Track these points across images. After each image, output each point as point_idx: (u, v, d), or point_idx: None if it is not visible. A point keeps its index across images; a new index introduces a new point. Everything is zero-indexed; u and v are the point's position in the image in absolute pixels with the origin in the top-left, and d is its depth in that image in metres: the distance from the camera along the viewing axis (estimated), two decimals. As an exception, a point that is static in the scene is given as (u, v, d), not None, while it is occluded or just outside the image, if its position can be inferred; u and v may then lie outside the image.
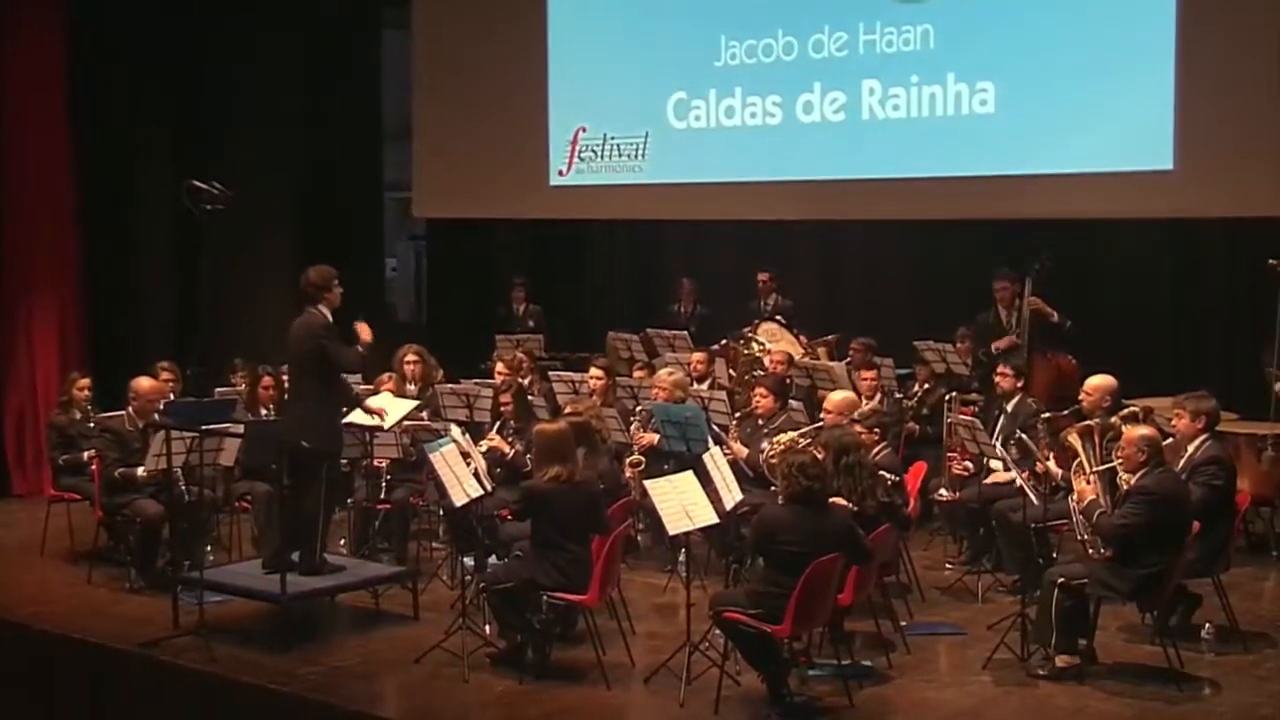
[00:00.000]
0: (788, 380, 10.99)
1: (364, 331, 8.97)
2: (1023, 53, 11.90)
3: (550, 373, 11.61)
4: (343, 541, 10.16)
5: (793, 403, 10.26)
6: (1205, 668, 7.82)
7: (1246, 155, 10.73)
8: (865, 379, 10.85)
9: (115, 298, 13.68)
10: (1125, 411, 8.72)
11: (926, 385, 11.41)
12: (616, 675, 7.72)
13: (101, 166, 13.50)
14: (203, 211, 9.22)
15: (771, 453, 8.81)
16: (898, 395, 11.26)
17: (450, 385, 10.81)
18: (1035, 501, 8.41)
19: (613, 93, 14.04)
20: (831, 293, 14.40)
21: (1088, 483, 7.83)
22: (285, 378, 9.79)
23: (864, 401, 10.28)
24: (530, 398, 10.54)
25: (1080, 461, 7.92)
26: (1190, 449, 8.34)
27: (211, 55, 14.20)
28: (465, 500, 8.14)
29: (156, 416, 9.72)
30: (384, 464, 9.96)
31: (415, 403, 9.92)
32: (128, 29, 13.57)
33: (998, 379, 9.88)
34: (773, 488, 8.14)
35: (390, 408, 9.34)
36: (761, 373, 11.34)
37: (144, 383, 10.04)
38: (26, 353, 12.94)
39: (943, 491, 9.81)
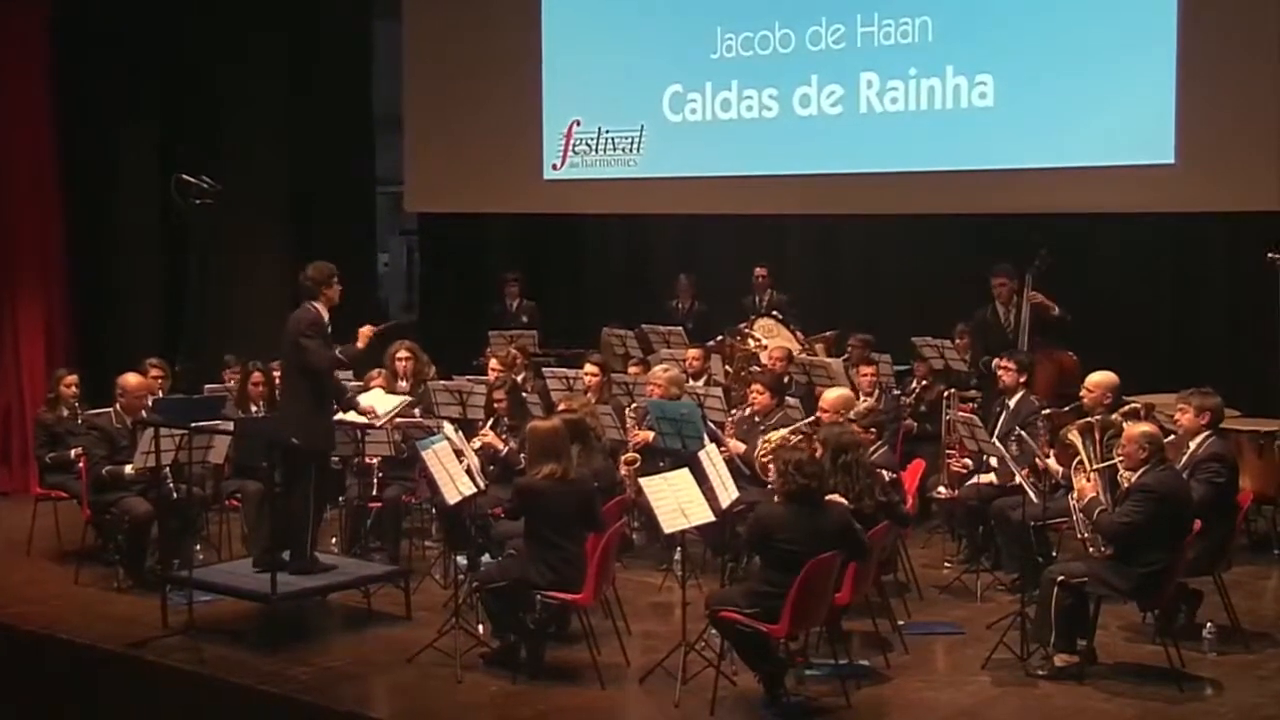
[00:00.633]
0: (786, 377, 10.99)
1: (364, 336, 8.97)
2: (1022, 45, 11.92)
3: (544, 369, 11.61)
4: (334, 540, 10.15)
5: (789, 399, 10.26)
6: (1207, 667, 7.83)
7: (1248, 149, 10.75)
8: (863, 375, 10.85)
9: (103, 293, 13.67)
10: (1126, 408, 8.73)
11: (925, 382, 11.42)
12: (611, 675, 7.72)
13: (88, 160, 13.49)
14: (191, 206, 9.21)
15: (763, 451, 8.82)
16: (895, 392, 11.27)
17: (443, 382, 10.81)
18: (1035, 499, 8.41)
19: (607, 85, 14.05)
20: (828, 288, 14.41)
21: (1088, 480, 7.83)
22: (277, 373, 9.78)
23: (861, 398, 10.28)
24: (524, 394, 10.53)
25: (1080, 459, 7.93)
26: (1193, 445, 8.34)
27: (200, 47, 14.19)
28: (458, 498, 8.14)
29: (145, 413, 9.72)
30: (376, 461, 9.95)
31: (406, 398, 9.92)
32: (113, 21, 13.55)
33: (1000, 374, 9.88)
34: (768, 485, 8.14)
35: (380, 404, 9.34)
36: (758, 369, 11.34)
37: (131, 379, 10.04)
38: (13, 349, 12.94)
39: (941, 489, 9.81)
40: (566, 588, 7.71)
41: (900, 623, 8.44)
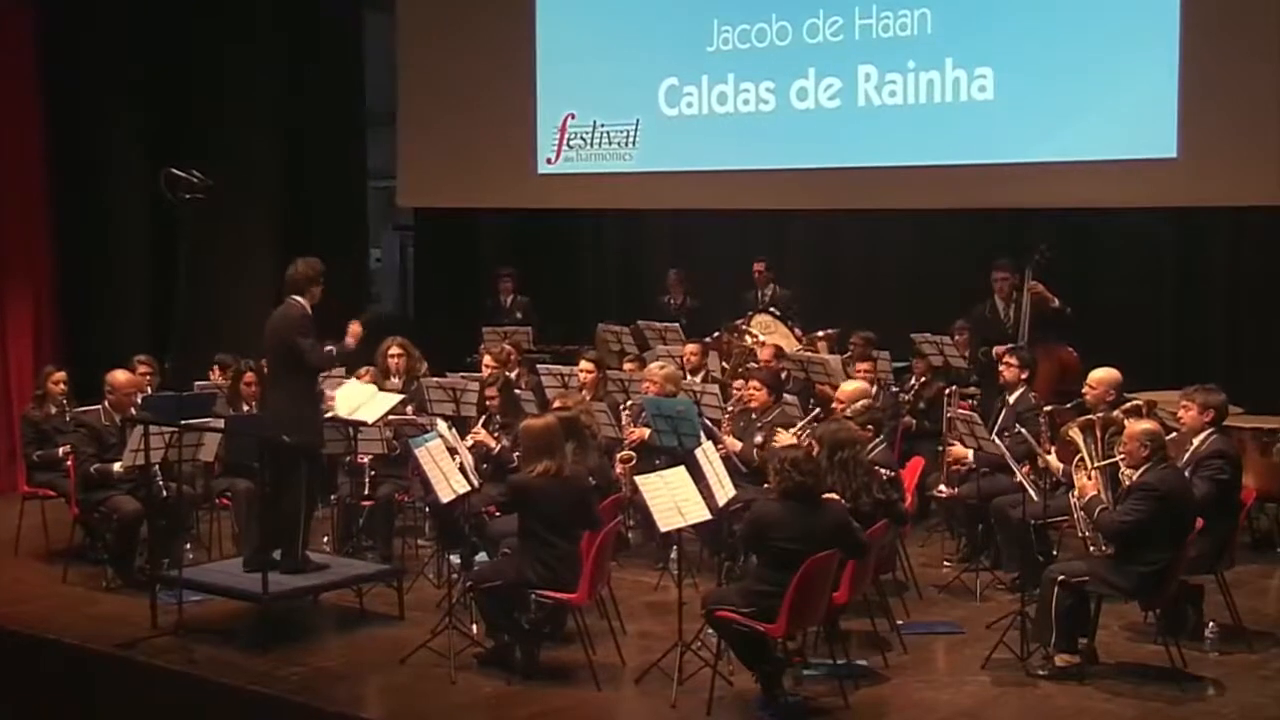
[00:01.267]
0: (783, 373, 10.99)
1: (354, 331, 8.96)
2: (1023, 37, 11.92)
3: (538, 366, 11.61)
4: (326, 539, 10.16)
5: (787, 396, 10.26)
6: (1209, 667, 7.83)
7: (1251, 142, 10.75)
8: (861, 372, 10.85)
9: (91, 289, 13.66)
10: (1128, 405, 8.73)
11: (923, 379, 11.42)
12: (607, 676, 7.72)
13: (76, 154, 13.47)
14: (181, 200, 9.19)
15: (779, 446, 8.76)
16: (894, 389, 11.27)
17: (436, 379, 10.81)
18: (1035, 497, 8.42)
19: (602, 79, 14.04)
20: (826, 284, 14.41)
21: (1089, 478, 7.84)
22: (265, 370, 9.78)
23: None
24: (518, 391, 10.53)
25: (1081, 456, 7.93)
26: (1196, 442, 8.34)
27: (189, 38, 14.16)
28: (452, 496, 8.13)
29: (134, 411, 9.71)
30: (368, 459, 9.95)
31: (399, 396, 9.91)
32: (102, 14, 13.54)
33: (1001, 369, 9.87)
34: (766, 484, 8.14)
35: (371, 402, 9.33)
36: (755, 365, 11.34)
37: (120, 376, 10.03)
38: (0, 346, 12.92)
39: (941, 488, 9.82)
40: (561, 587, 7.71)
41: (899, 622, 8.44)
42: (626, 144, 13.88)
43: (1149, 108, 11.23)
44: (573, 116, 14.17)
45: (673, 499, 7.61)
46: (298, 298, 8.75)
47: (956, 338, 11.69)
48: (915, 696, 7.54)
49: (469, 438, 9.44)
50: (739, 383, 10.54)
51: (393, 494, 9.98)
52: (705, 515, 7.80)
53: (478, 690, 7.65)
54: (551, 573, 7.69)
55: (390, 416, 9.68)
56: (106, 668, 8.20)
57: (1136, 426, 7.80)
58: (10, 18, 12.96)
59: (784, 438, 8.80)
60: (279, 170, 14.84)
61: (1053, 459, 8.64)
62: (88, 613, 9.02)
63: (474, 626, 8.23)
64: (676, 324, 13.09)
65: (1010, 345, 10.59)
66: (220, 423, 9.82)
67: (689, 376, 11.27)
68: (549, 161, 14.36)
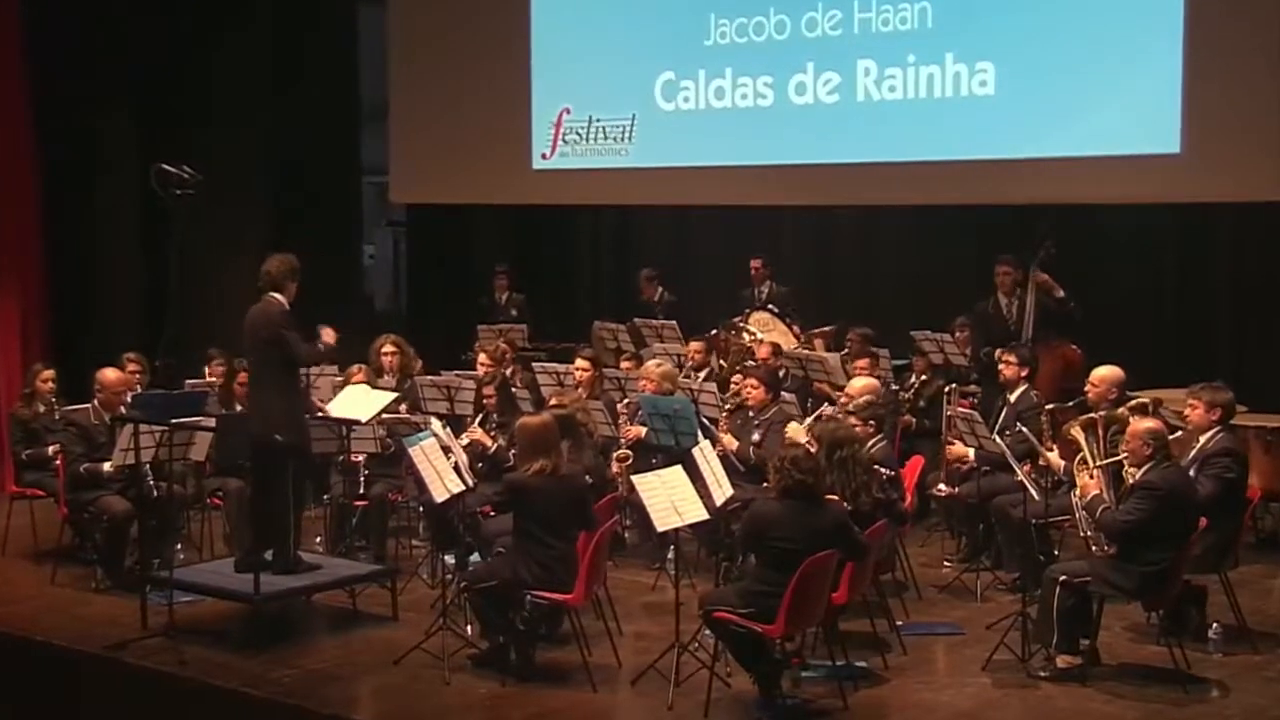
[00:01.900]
0: (781, 371, 11.00)
1: (328, 335, 8.95)
2: (1024, 32, 11.91)
3: (534, 364, 11.61)
4: (318, 539, 10.16)
5: (785, 394, 10.27)
6: (1213, 668, 7.85)
7: (1257, 138, 10.74)
8: (859, 369, 10.85)
9: (80, 286, 13.65)
10: (1134, 403, 8.73)
11: (924, 377, 11.43)
12: (603, 677, 7.72)
13: (65, 151, 13.46)
14: (172, 196, 9.21)
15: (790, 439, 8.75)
16: (893, 387, 11.28)
17: (430, 377, 10.81)
18: (1036, 496, 8.43)
19: (598, 73, 14.03)
20: (825, 281, 14.42)
21: (1091, 477, 7.84)
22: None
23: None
24: (513, 389, 10.54)
25: (1083, 455, 7.93)
26: (1203, 440, 8.34)
27: (179, 32, 14.15)
28: (446, 496, 8.14)
29: (124, 409, 9.70)
30: (361, 458, 9.95)
31: (393, 395, 9.91)
32: (90, 9, 13.53)
33: (1002, 367, 9.88)
34: (765, 483, 8.15)
35: (365, 401, 9.33)
36: (753, 363, 11.35)
37: (110, 374, 10.03)
38: (-13, 343, 12.93)
39: (941, 486, 9.83)
40: (557, 587, 7.72)
41: (899, 623, 8.45)
42: (623, 139, 13.87)
43: (1152, 103, 11.22)
44: (568, 111, 14.17)
45: (670, 498, 7.62)
46: (275, 294, 8.72)
47: (958, 335, 11.69)
48: (915, 698, 7.55)
49: (465, 436, 9.45)
50: (738, 377, 10.54)
51: (386, 493, 9.97)
52: (703, 515, 7.81)
53: (472, 692, 7.65)
54: (547, 573, 7.69)
55: (384, 415, 9.67)
56: (96, 669, 8.20)
57: (1139, 425, 7.80)
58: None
59: (796, 431, 8.80)
60: (270, 166, 14.83)
61: (1054, 457, 8.65)
62: (77, 614, 9.02)
63: (469, 627, 8.24)
64: (674, 321, 13.09)
65: (1011, 345, 10.59)
66: (211, 422, 9.82)
67: (692, 374, 11.27)
68: (544, 157, 14.36)
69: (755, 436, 9.59)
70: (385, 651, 8.17)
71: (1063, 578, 7.64)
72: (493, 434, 9.71)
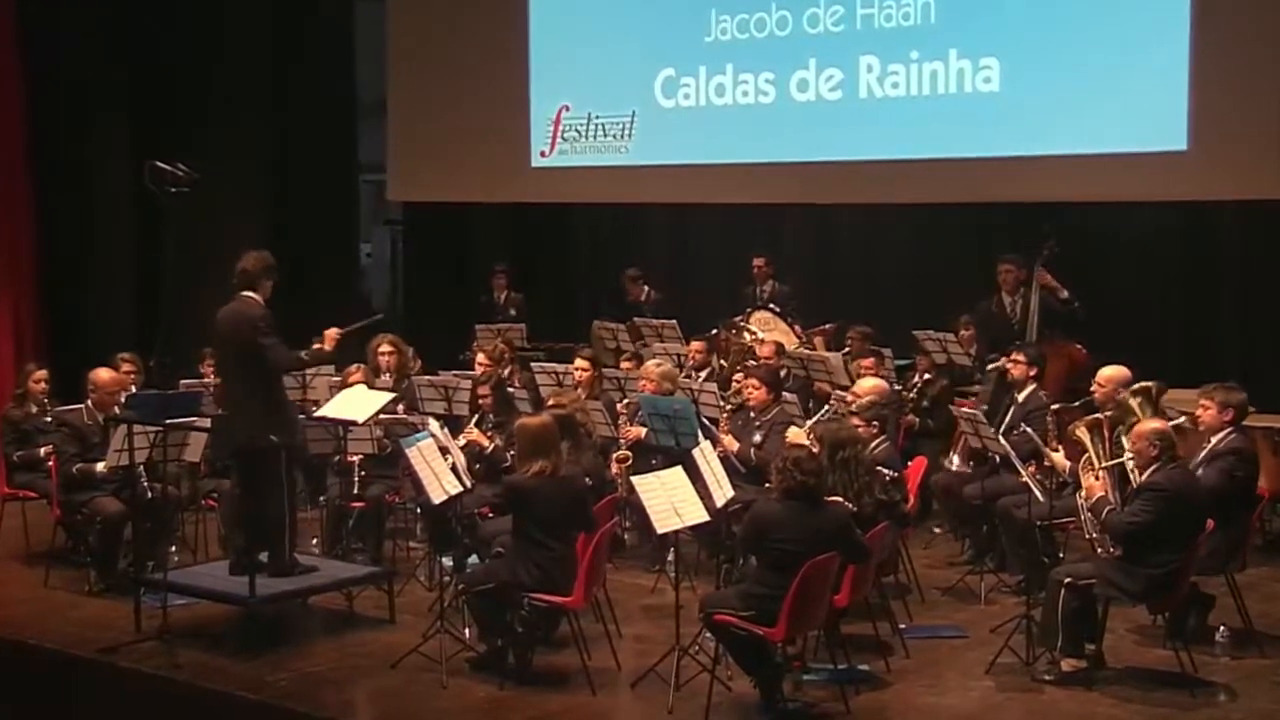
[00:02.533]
0: (782, 371, 10.99)
1: (330, 339, 8.92)
2: (1028, 27, 11.92)
3: (533, 364, 11.61)
4: (314, 541, 10.14)
5: (786, 395, 10.26)
6: (1220, 672, 7.83)
7: (1265, 134, 10.75)
8: (864, 369, 10.85)
9: (73, 285, 13.65)
10: (1137, 386, 8.70)
11: (927, 376, 11.42)
12: (602, 680, 7.72)
13: (58, 150, 13.46)
14: (166, 194, 9.19)
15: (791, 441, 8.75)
16: (896, 387, 11.26)
17: (428, 377, 10.80)
18: (1040, 498, 8.41)
19: (598, 69, 14.04)
20: (826, 280, 14.42)
21: (1096, 478, 7.83)
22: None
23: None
24: (511, 389, 10.53)
25: (1089, 456, 7.92)
26: (1214, 440, 8.33)
27: (176, 28, 14.15)
28: (443, 497, 8.13)
29: (117, 410, 9.69)
30: (358, 459, 9.93)
31: (389, 395, 9.90)
32: (84, 5, 13.53)
33: (1010, 367, 9.87)
34: (767, 484, 8.14)
35: (362, 401, 9.32)
36: (754, 363, 11.34)
37: (103, 374, 10.02)
38: (-20, 344, 12.93)
39: (954, 458, 9.74)
40: (556, 589, 7.71)
41: (901, 626, 8.44)
42: (622, 136, 13.87)
43: (1158, 99, 11.23)
44: (567, 108, 14.18)
45: (670, 500, 7.61)
46: (251, 293, 8.67)
47: (962, 333, 11.69)
48: (918, 702, 7.54)
49: (462, 437, 9.44)
50: (739, 376, 10.54)
51: (383, 495, 9.96)
52: (703, 516, 7.80)
53: (470, 695, 7.64)
54: (546, 575, 7.68)
55: (381, 415, 9.66)
56: (89, 673, 8.19)
57: (1145, 425, 7.79)
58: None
59: (796, 435, 8.80)
60: (267, 163, 14.83)
61: (1059, 458, 8.64)
62: (70, 617, 9.00)
63: (466, 630, 8.22)
64: (674, 321, 13.08)
65: (1018, 344, 10.58)
66: (206, 422, 9.80)
67: (693, 374, 11.27)
68: (543, 154, 14.36)
69: (757, 438, 9.58)
70: (382, 655, 8.16)
71: (1068, 580, 7.63)
72: (489, 434, 9.70)
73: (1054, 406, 9.29)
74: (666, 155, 13.65)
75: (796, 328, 12.66)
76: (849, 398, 9.56)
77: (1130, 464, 7.79)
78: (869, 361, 10.91)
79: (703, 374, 11.36)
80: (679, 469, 7.94)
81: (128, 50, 13.97)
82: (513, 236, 16.23)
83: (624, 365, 11.38)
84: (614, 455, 9.88)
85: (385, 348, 10.98)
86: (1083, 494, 7.91)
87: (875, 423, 8.78)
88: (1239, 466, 8.20)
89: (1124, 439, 7.93)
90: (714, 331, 12.62)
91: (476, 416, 9.89)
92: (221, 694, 7.70)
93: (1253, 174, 10.87)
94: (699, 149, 13.46)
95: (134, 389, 10.47)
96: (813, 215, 14.17)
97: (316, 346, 9.04)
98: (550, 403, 9.69)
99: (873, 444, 8.55)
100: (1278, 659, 8.06)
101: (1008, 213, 12.54)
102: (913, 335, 11.66)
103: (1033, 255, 11.62)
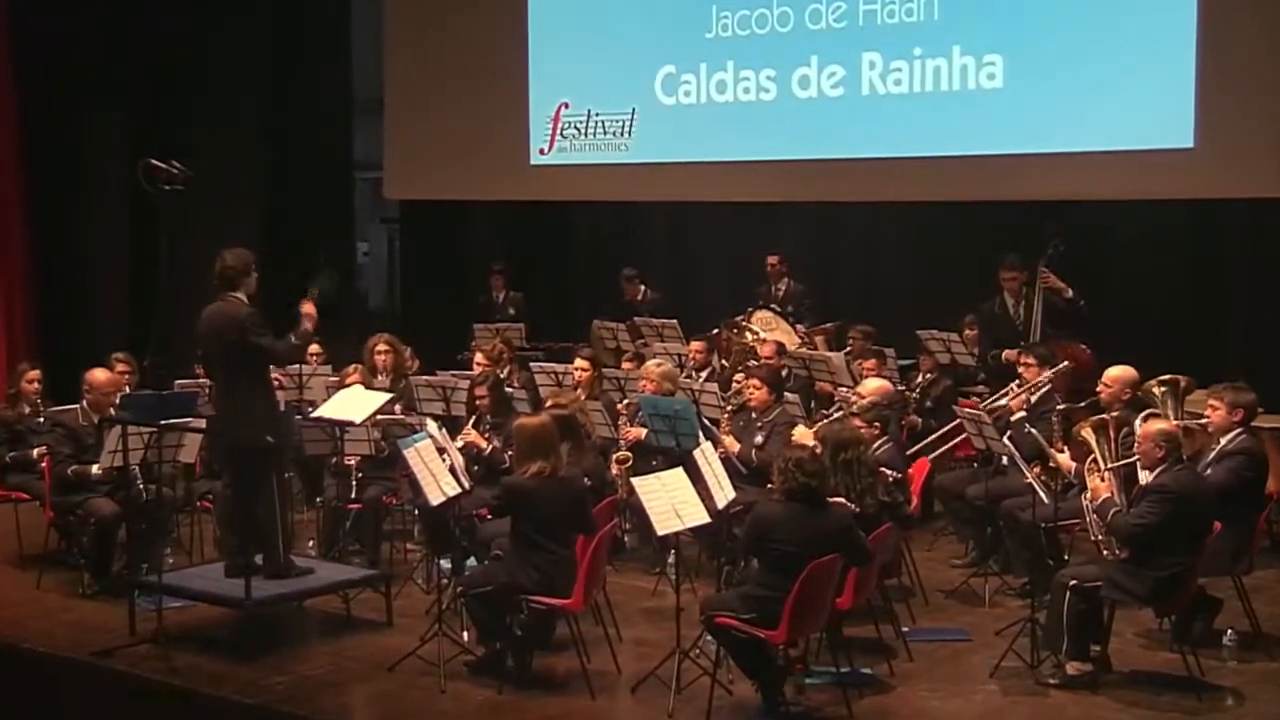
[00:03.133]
0: (784, 371, 10.99)
1: (307, 311, 8.84)
2: (1033, 23, 11.92)
3: (532, 364, 11.61)
4: (311, 543, 10.15)
5: (788, 395, 10.26)
6: (1227, 676, 7.83)
7: (1272, 132, 10.77)
8: (867, 369, 10.85)
9: (66, 284, 13.65)
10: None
11: (930, 376, 11.42)
12: (602, 684, 7.72)
13: (52, 149, 13.46)
14: (161, 192, 9.17)
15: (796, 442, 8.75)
16: (900, 387, 11.26)
17: (425, 377, 10.80)
18: (1045, 499, 8.41)
19: (597, 66, 14.05)
20: (829, 279, 14.41)
21: (1102, 479, 7.83)
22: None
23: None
24: (510, 389, 10.53)
25: (1094, 457, 7.92)
26: (1224, 441, 8.32)
27: (170, 22, 14.15)
28: (442, 499, 8.12)
29: (113, 411, 9.68)
30: (355, 461, 9.93)
31: (387, 395, 9.90)
32: (78, 3, 13.53)
33: (1021, 370, 9.86)
34: (769, 484, 8.14)
35: (359, 402, 9.32)
36: (755, 363, 11.34)
37: (99, 375, 10.01)
38: (-29, 343, 12.93)
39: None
40: (555, 592, 7.71)
41: (904, 629, 8.44)
42: (622, 134, 13.88)
43: (1164, 96, 11.23)
44: (566, 105, 14.18)
45: (670, 501, 7.61)
46: (234, 293, 8.63)
47: (967, 333, 11.69)
48: (921, 706, 7.54)
49: (459, 439, 9.44)
50: (739, 376, 10.54)
51: (380, 496, 9.96)
52: (704, 518, 7.79)
53: (468, 699, 7.64)
54: (545, 577, 7.68)
55: (378, 416, 9.66)
56: (83, 677, 8.18)
57: (1152, 426, 7.79)
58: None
59: (802, 435, 8.79)
60: (262, 161, 14.83)
61: (1064, 459, 8.63)
62: (63, 620, 9.00)
63: (464, 633, 8.22)
64: (674, 321, 13.09)
65: (1021, 346, 10.58)
66: (201, 423, 9.80)
67: (694, 374, 11.27)
68: (542, 152, 14.37)
69: (758, 439, 9.58)
70: (379, 658, 8.15)
71: (1073, 582, 7.62)
72: (487, 435, 9.69)
73: (1060, 407, 9.28)
74: (667, 153, 13.66)
75: (799, 327, 12.66)
76: (853, 397, 9.56)
77: (1138, 464, 7.78)
78: (871, 362, 10.91)
79: (704, 374, 11.36)
80: (680, 470, 7.93)
81: (123, 48, 13.96)
82: (511, 235, 16.24)
83: (625, 365, 11.39)
84: (614, 456, 9.88)
85: (381, 347, 10.98)
86: (1088, 495, 7.91)
87: (877, 424, 8.79)
88: (1248, 467, 8.20)
89: (1137, 428, 7.92)
90: (715, 331, 12.63)
91: (474, 418, 9.88)
92: (217, 698, 7.69)
93: (1260, 172, 10.87)
94: (700, 147, 13.47)
95: (129, 389, 10.46)
96: (815, 213, 14.17)
97: (301, 329, 8.96)
98: (550, 403, 9.69)
99: (875, 445, 8.56)
100: (1285, 662, 8.07)
101: (1012, 211, 12.54)
102: (916, 335, 11.66)
103: (1038, 254, 11.61)
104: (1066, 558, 9.00)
